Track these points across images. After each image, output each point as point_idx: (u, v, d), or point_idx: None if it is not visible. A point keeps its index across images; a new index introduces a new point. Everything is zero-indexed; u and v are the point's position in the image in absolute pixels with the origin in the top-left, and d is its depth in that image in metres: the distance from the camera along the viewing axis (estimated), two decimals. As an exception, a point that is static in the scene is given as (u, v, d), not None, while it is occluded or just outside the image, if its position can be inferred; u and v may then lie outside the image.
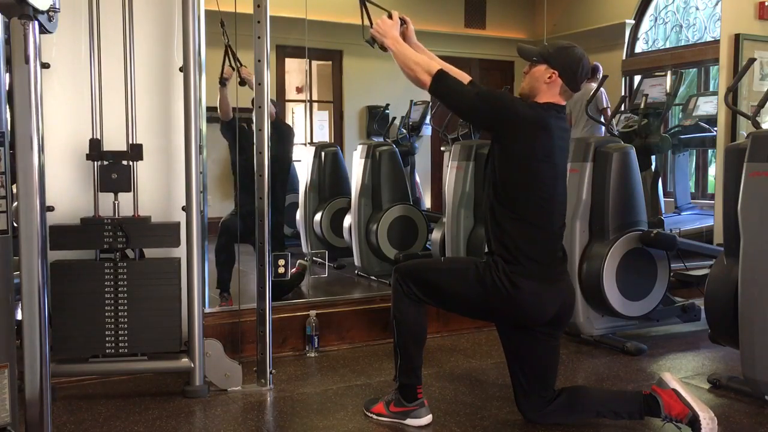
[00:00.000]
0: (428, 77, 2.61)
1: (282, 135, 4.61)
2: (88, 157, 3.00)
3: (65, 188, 3.12)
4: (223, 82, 4.19)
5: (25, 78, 2.02)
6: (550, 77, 2.57)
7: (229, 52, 3.86)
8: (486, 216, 2.70)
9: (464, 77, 2.81)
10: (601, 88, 5.34)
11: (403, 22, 2.84)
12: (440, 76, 2.62)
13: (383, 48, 2.75)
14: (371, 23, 2.82)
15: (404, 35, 2.84)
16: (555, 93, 2.59)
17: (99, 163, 3.00)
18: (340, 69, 6.87)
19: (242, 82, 3.67)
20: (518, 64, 7.38)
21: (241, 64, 3.76)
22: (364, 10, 2.88)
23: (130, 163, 3.02)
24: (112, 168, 2.99)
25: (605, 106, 5.67)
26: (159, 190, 3.23)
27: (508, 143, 2.57)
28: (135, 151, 3.03)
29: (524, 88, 2.66)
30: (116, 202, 3.03)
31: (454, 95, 2.64)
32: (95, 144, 3.00)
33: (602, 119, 5.49)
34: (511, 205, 2.58)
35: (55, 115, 3.08)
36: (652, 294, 3.82)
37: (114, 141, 3.06)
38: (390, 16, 2.77)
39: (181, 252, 3.13)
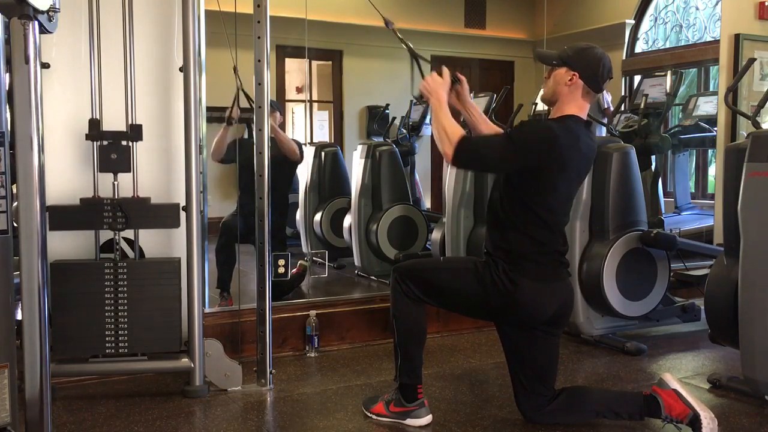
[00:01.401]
0: (450, 149, 2.48)
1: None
2: (88, 137, 3.00)
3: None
4: (229, 121, 4.20)
5: (25, 78, 2.02)
6: (571, 80, 2.56)
7: (241, 96, 3.86)
8: (489, 218, 2.71)
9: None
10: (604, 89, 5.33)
11: (456, 80, 2.72)
12: (462, 144, 2.48)
13: None
14: (422, 75, 2.71)
15: (458, 93, 2.76)
16: (578, 96, 2.58)
17: (99, 142, 3.00)
18: (340, 69, 6.88)
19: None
20: (518, 64, 7.40)
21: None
22: (416, 63, 2.81)
23: (130, 143, 3.02)
24: (112, 149, 2.99)
25: (606, 106, 5.67)
26: (159, 191, 3.23)
27: (542, 170, 2.52)
28: (134, 131, 3.03)
29: (546, 93, 2.64)
30: (116, 183, 3.03)
31: (481, 159, 2.54)
32: (94, 123, 3.00)
33: (604, 119, 5.49)
34: (519, 214, 2.59)
35: (56, 115, 3.08)
36: (652, 294, 3.82)
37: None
38: (440, 73, 2.64)
39: (181, 252, 3.13)
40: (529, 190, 2.57)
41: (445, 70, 2.67)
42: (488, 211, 2.73)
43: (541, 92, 2.70)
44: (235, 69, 3.57)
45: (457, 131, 2.52)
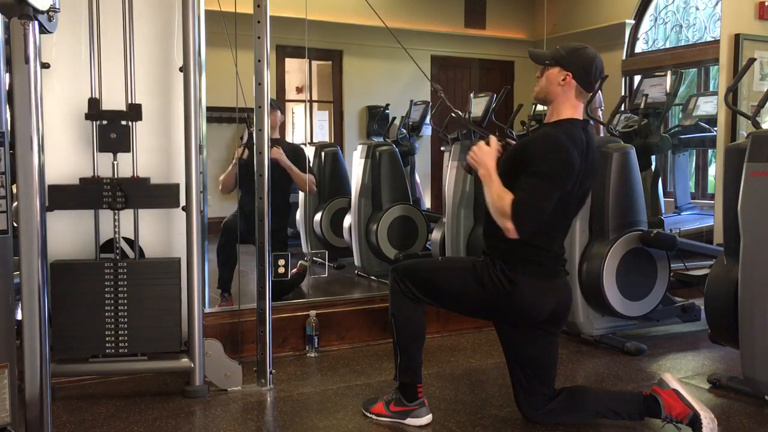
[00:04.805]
0: (509, 223, 2.42)
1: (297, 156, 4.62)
2: (87, 116, 2.99)
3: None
4: (239, 161, 4.19)
5: (25, 78, 2.02)
6: (564, 79, 2.56)
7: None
8: (487, 220, 2.70)
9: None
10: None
11: (507, 145, 2.71)
12: (516, 214, 2.41)
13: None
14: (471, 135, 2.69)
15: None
16: (571, 96, 2.58)
17: (98, 123, 3.00)
18: (340, 69, 6.88)
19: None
20: (518, 64, 7.39)
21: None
22: (470, 131, 2.80)
23: (129, 123, 3.02)
24: (111, 128, 2.99)
25: (596, 106, 5.65)
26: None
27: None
28: (134, 111, 3.02)
29: (539, 92, 2.64)
30: (115, 162, 3.03)
31: (539, 214, 2.47)
32: (94, 103, 2.99)
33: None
34: None
35: (55, 115, 3.08)
36: (652, 294, 3.82)
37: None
38: (488, 143, 2.62)
39: (181, 252, 3.13)
40: None
41: (493, 139, 2.64)
42: (487, 213, 2.73)
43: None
44: (247, 117, 3.54)
45: (506, 202, 2.44)
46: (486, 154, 2.58)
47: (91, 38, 3.02)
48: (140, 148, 3.08)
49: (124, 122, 3.02)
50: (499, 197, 2.47)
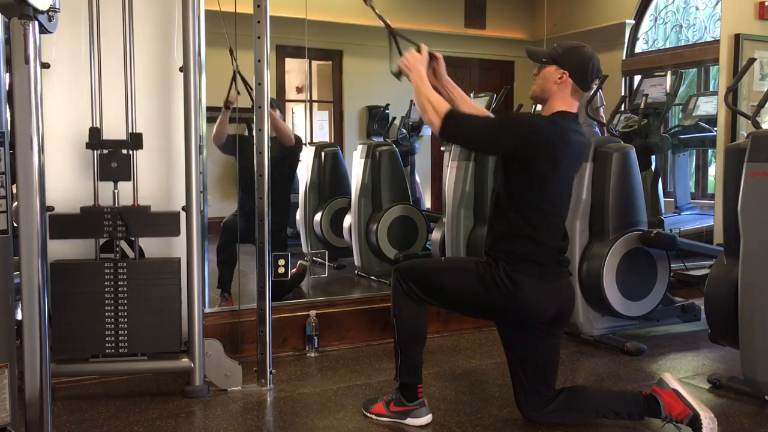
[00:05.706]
0: (438, 119, 2.53)
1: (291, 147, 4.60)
2: (88, 146, 3.00)
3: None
4: (227, 105, 4.17)
5: (25, 78, 2.02)
6: (560, 78, 2.57)
7: (238, 78, 3.83)
8: (490, 219, 2.71)
9: (484, 112, 2.80)
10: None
11: (432, 57, 2.75)
12: (450, 117, 2.53)
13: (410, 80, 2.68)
14: (400, 54, 2.75)
15: (435, 71, 2.78)
16: (566, 94, 2.59)
17: (99, 151, 3.00)
18: (340, 69, 6.87)
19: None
20: (518, 64, 7.39)
21: (251, 89, 3.65)
22: (393, 41, 2.84)
23: (130, 152, 3.02)
24: (112, 157, 2.99)
25: (598, 105, 5.66)
26: (159, 189, 3.23)
27: (530, 162, 2.54)
28: (134, 140, 3.02)
29: (535, 90, 2.65)
30: (116, 191, 3.03)
31: (467, 134, 2.58)
32: (95, 132, 3.01)
33: (601, 118, 5.49)
34: (519, 213, 2.59)
35: (55, 115, 3.08)
36: (652, 294, 3.82)
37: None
38: (419, 50, 2.70)
39: (181, 252, 3.13)
40: (525, 185, 2.57)
41: (424, 47, 2.73)
42: (490, 213, 2.74)
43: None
44: (231, 51, 3.56)
45: (444, 104, 2.58)
46: (417, 60, 2.68)
47: (91, 39, 3.02)
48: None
49: (124, 151, 3.01)
50: (435, 98, 2.59)
